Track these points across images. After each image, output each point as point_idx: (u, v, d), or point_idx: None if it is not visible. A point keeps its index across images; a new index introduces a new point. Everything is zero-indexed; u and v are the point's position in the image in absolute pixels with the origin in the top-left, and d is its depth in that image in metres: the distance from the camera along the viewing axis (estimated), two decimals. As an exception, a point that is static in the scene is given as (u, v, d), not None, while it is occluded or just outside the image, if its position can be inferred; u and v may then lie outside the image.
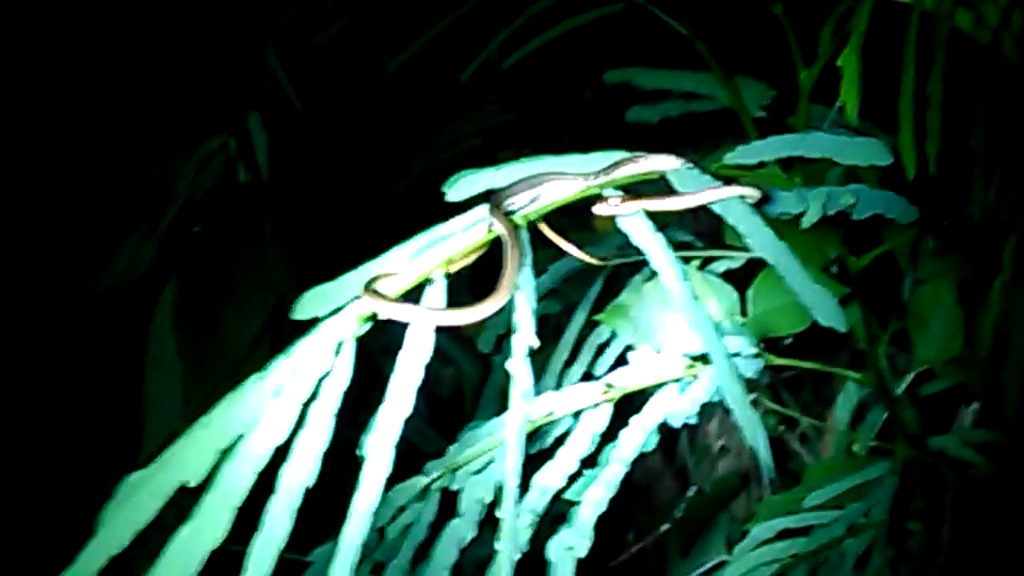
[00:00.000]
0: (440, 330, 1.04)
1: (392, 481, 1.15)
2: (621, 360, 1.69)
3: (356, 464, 1.00)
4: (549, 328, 1.98)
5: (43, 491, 2.08)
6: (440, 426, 2.11)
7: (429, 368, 1.02)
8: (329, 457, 0.98)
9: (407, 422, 1.00)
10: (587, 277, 1.82)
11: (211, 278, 1.82)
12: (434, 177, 2.25)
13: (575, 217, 1.26)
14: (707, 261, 1.74)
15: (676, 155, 1.17)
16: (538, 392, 1.71)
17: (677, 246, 1.72)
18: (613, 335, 1.74)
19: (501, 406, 1.69)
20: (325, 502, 1.01)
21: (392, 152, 2.34)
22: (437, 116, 2.34)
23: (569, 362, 1.80)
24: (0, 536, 2.04)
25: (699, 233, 1.85)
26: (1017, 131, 1.22)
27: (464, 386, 2.30)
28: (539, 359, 1.85)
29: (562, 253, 1.68)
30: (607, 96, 1.89)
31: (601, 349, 1.77)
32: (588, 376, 1.77)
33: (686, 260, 1.73)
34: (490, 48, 1.84)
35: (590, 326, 1.79)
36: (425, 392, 1.01)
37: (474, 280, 1.16)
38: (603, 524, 1.35)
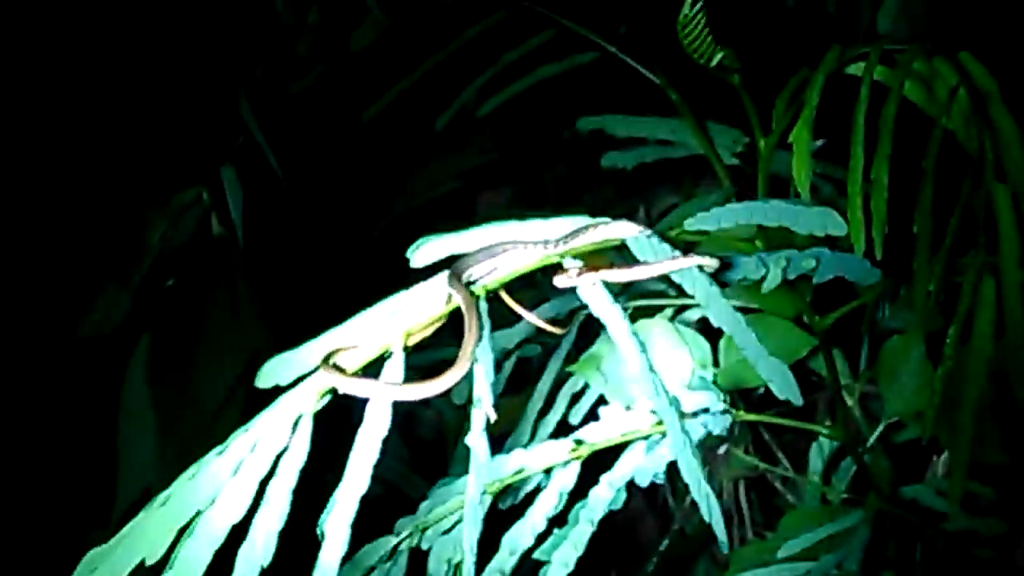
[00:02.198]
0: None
1: (370, 530, 1.16)
2: (597, 407, 1.69)
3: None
4: (530, 369, 1.99)
5: (16, 543, 2.08)
6: (422, 469, 2.11)
7: (410, 412, 1.03)
8: (303, 497, 0.99)
9: (390, 467, 1.01)
10: (563, 322, 1.82)
11: (185, 331, 1.82)
12: (413, 221, 2.26)
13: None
14: (680, 309, 1.74)
15: (634, 221, 1.17)
16: (512, 443, 1.72)
17: (650, 295, 1.73)
18: (587, 383, 1.74)
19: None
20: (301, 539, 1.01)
21: (369, 198, 2.34)
22: (414, 161, 2.35)
23: (544, 411, 1.79)
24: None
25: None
26: (962, 212, 1.22)
27: (445, 429, 2.30)
28: (518, 405, 1.85)
29: (537, 301, 1.69)
30: (585, 137, 1.89)
31: (576, 397, 1.77)
32: (564, 422, 1.77)
33: (659, 309, 1.73)
34: (465, 96, 1.85)
35: (567, 373, 1.79)
36: (406, 435, 1.02)
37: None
38: (585, 564, 1.36)
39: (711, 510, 1.07)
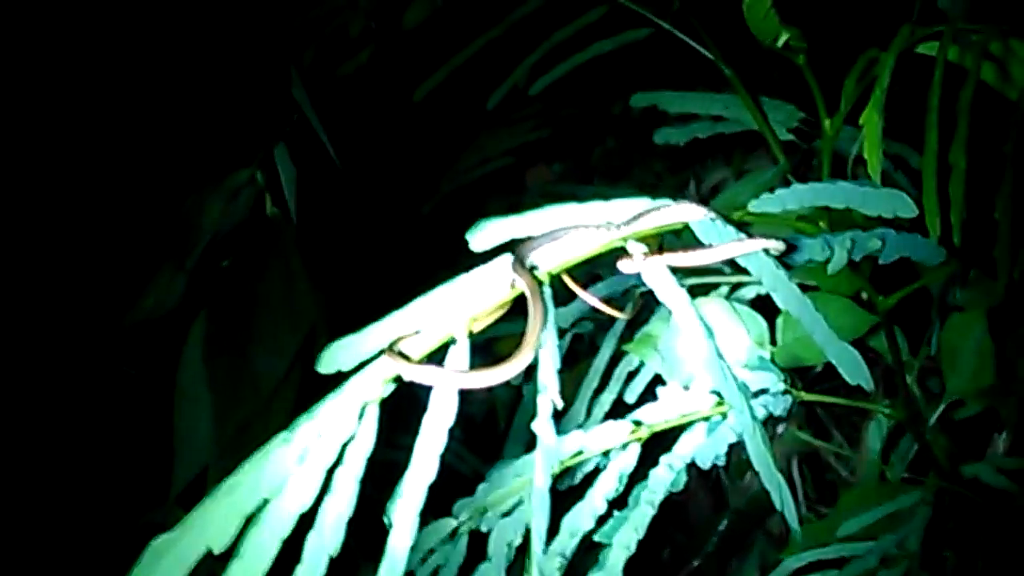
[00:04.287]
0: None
1: (425, 511, 1.16)
2: (653, 386, 1.69)
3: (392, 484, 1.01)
4: (584, 345, 1.98)
5: (76, 520, 2.10)
6: (474, 446, 2.11)
7: (460, 389, 1.02)
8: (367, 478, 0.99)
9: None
10: (618, 301, 1.81)
11: (240, 312, 1.82)
12: (463, 197, 2.26)
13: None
14: (736, 286, 1.73)
15: (686, 197, 1.16)
16: (567, 421, 1.72)
17: (705, 272, 1.72)
18: (643, 362, 1.73)
19: (532, 436, 1.70)
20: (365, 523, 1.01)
21: (420, 175, 2.34)
22: (465, 138, 2.34)
23: (600, 389, 1.79)
24: (32, 567, 2.06)
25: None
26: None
27: (497, 405, 2.29)
28: (571, 380, 1.84)
29: (589, 278, 1.69)
30: (635, 113, 1.87)
31: (632, 376, 1.77)
32: (619, 401, 1.76)
33: (714, 286, 1.72)
34: (517, 74, 1.84)
35: (621, 350, 1.78)
36: (457, 413, 1.02)
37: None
38: (639, 542, 1.35)
39: (783, 498, 1.06)
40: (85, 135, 2.01)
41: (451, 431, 1.03)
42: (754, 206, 1.18)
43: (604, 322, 1.87)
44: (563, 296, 1.39)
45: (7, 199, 1.98)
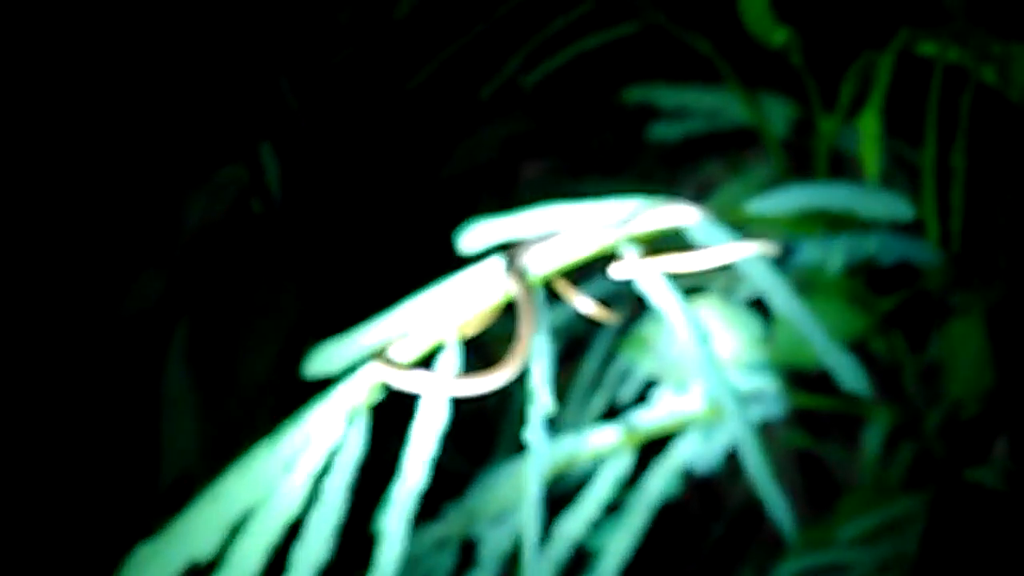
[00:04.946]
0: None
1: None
2: (648, 386, 1.66)
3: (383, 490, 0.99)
4: (577, 343, 1.96)
5: (63, 519, 2.07)
6: (463, 445, 2.09)
7: None
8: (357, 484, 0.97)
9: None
10: (610, 300, 1.79)
11: (224, 312, 1.81)
12: (456, 191, 2.24)
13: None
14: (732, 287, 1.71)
15: (680, 193, 1.13)
16: (560, 424, 1.70)
17: (701, 272, 1.70)
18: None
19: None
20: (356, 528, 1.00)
21: (411, 170, 2.31)
22: (458, 132, 2.31)
23: (593, 390, 1.77)
24: (16, 568, 2.04)
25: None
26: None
27: (485, 406, 2.27)
28: (565, 380, 1.82)
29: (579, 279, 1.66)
30: (631, 106, 1.85)
31: (625, 376, 1.74)
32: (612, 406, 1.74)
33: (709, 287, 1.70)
34: (511, 65, 1.81)
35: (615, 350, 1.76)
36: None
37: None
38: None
39: (778, 507, 1.03)
40: (67, 133, 1.99)
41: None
42: (750, 208, 1.15)
43: (599, 323, 1.85)
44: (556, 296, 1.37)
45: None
